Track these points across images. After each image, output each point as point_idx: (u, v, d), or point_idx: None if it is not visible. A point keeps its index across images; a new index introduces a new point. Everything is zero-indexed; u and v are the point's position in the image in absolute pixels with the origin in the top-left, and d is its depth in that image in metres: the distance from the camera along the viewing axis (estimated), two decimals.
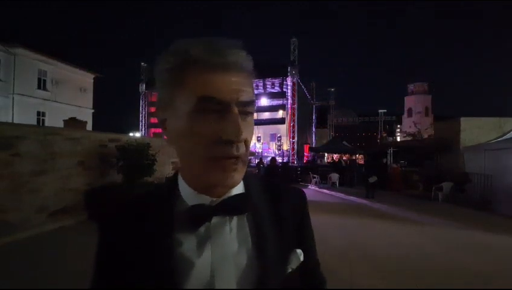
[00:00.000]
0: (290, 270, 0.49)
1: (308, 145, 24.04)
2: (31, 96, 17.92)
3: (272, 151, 24.22)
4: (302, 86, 25.93)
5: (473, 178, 8.93)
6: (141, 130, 28.37)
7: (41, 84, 18.70)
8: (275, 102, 24.61)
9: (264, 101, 24.50)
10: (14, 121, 15.25)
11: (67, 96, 20.02)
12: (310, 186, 12.95)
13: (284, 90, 23.60)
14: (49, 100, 18.96)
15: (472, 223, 6.17)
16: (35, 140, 4.89)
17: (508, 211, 7.06)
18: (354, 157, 18.66)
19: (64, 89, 19.85)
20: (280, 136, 24.15)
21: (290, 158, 21.15)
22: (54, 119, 17.11)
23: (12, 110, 17.17)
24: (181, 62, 0.42)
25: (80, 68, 21.31)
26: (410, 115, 44.07)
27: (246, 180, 0.52)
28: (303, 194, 0.59)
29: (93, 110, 22.59)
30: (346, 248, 4.19)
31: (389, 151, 13.75)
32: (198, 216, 0.44)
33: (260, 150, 23.90)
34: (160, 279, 0.43)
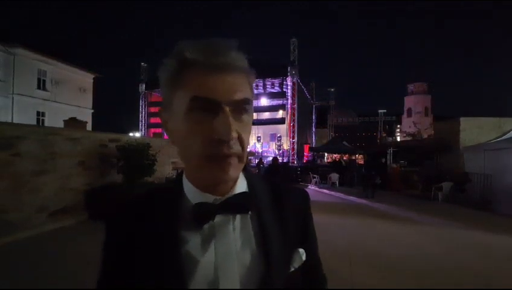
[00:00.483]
0: (292, 269, 0.50)
1: (308, 145, 24.04)
2: (30, 96, 17.90)
3: (271, 151, 24.22)
4: (302, 86, 25.93)
5: (472, 178, 8.94)
6: (141, 130, 28.36)
7: (41, 84, 18.68)
8: (275, 102, 24.62)
9: (264, 101, 24.51)
10: (14, 121, 15.23)
11: (67, 97, 20.01)
12: (310, 186, 12.95)
13: (284, 90, 23.61)
14: (48, 100, 18.94)
15: (472, 223, 6.17)
16: (35, 140, 4.89)
17: (508, 210, 7.06)
18: (354, 158, 18.67)
19: (64, 89, 19.84)
20: (280, 136, 24.16)
21: (290, 158, 21.17)
22: (54, 119, 17.11)
23: (12, 110, 17.16)
24: (178, 64, 0.44)
25: (79, 68, 21.29)
26: (409, 115, 44.09)
27: (250, 179, 0.53)
28: (306, 194, 0.60)
29: (93, 110, 22.57)
30: (346, 248, 4.19)
31: (389, 151, 13.74)
32: (202, 214, 0.45)
33: (260, 150, 23.90)
34: (166, 276, 0.43)
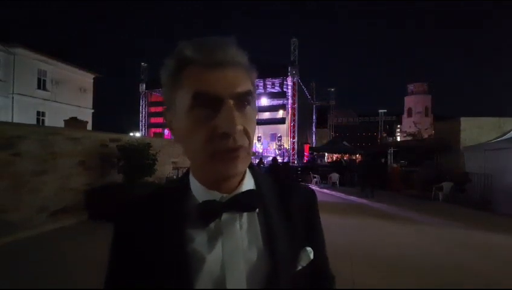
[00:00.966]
0: (299, 267, 0.50)
1: (308, 145, 24.03)
2: (30, 96, 17.91)
3: (272, 151, 24.21)
4: (303, 86, 25.93)
5: (473, 178, 8.94)
6: (141, 130, 28.36)
7: (41, 84, 18.70)
8: (275, 102, 24.61)
9: (264, 101, 24.49)
10: (14, 121, 15.24)
11: (67, 96, 20.02)
12: (310, 186, 12.94)
13: (284, 90, 23.60)
14: (49, 100, 18.95)
15: (472, 223, 6.17)
16: (35, 140, 4.89)
17: (508, 210, 7.06)
18: (354, 157, 18.67)
19: (64, 89, 19.85)
20: (280, 136, 24.16)
21: (291, 158, 21.17)
22: (54, 119, 17.12)
23: (12, 110, 17.17)
24: (178, 63, 0.45)
25: (79, 68, 21.30)
26: (410, 115, 44.09)
27: (256, 177, 0.53)
28: (313, 193, 0.60)
29: (93, 110, 22.59)
30: (347, 248, 4.19)
31: (389, 151, 13.74)
32: (209, 212, 0.45)
33: (260, 150, 23.89)
34: (173, 275, 0.43)
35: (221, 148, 0.42)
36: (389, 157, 13.66)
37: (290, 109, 22.22)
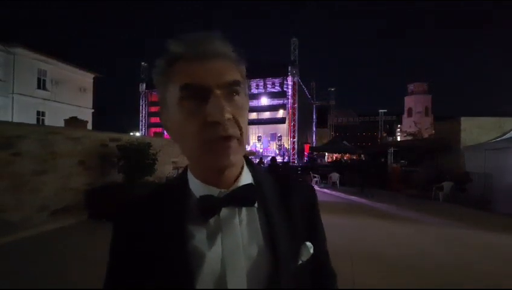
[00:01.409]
0: (300, 262, 0.49)
1: (308, 145, 24.04)
2: (30, 96, 17.91)
3: (272, 150, 24.22)
4: (303, 86, 25.94)
5: (473, 177, 8.93)
6: (141, 130, 28.38)
7: (41, 84, 18.69)
8: (276, 102, 24.62)
9: (264, 101, 24.50)
10: (14, 121, 15.25)
11: (67, 96, 20.02)
12: None
13: (285, 89, 23.61)
14: (48, 100, 18.95)
15: (473, 222, 6.17)
16: (36, 139, 4.89)
17: (508, 210, 7.06)
18: (354, 157, 18.68)
19: (64, 88, 19.85)
20: (280, 136, 24.17)
21: (291, 158, 21.17)
22: (54, 119, 17.12)
23: (12, 109, 17.17)
24: (166, 61, 0.46)
25: (79, 68, 21.30)
26: (410, 114, 44.04)
27: (254, 172, 0.53)
28: (312, 188, 0.60)
29: (93, 110, 22.59)
30: (347, 247, 4.19)
31: (389, 151, 13.74)
32: (207, 208, 0.45)
33: (261, 150, 23.89)
34: (174, 272, 0.44)
35: (212, 137, 0.42)
36: (389, 157, 13.65)
37: (290, 108, 22.23)
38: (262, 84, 24.36)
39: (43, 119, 18.75)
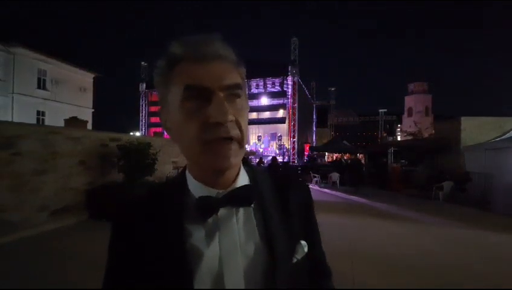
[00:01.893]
0: (295, 260, 0.50)
1: (308, 145, 24.04)
2: (30, 95, 17.91)
3: (272, 150, 24.22)
4: (303, 86, 25.93)
5: (473, 177, 8.93)
6: (141, 130, 28.39)
7: (41, 84, 18.69)
8: (276, 101, 24.61)
9: (264, 101, 24.50)
10: (14, 121, 15.24)
11: (67, 96, 20.02)
12: (310, 186, 12.88)
13: (285, 89, 23.61)
14: (48, 100, 18.95)
15: (472, 222, 6.17)
16: (36, 139, 4.89)
17: (508, 210, 7.05)
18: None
19: (64, 88, 19.84)
20: (281, 136, 24.16)
21: (291, 157, 21.17)
22: (54, 119, 17.12)
23: (12, 109, 17.17)
24: (168, 63, 0.47)
25: (79, 68, 21.29)
26: (410, 114, 43.99)
27: (251, 172, 0.55)
28: (307, 187, 0.61)
29: (93, 110, 22.59)
30: (347, 247, 4.19)
31: (389, 151, 13.73)
32: (206, 208, 0.46)
33: (261, 150, 23.89)
34: (172, 270, 0.44)
35: (214, 137, 0.43)
36: (389, 156, 13.65)
37: (290, 108, 22.22)
38: (262, 84, 24.34)
39: (43, 119, 18.75)
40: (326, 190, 11.64)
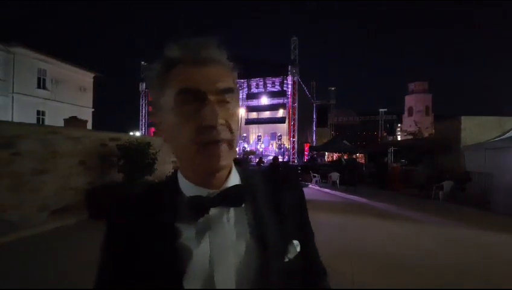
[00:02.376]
0: (287, 260, 0.51)
1: (308, 144, 24.03)
2: (30, 95, 17.92)
3: (272, 150, 24.21)
4: (303, 85, 25.89)
5: (473, 177, 8.92)
6: (141, 129, 28.37)
7: (41, 84, 18.70)
8: (276, 101, 24.59)
9: (264, 100, 24.48)
10: (14, 120, 15.24)
11: (67, 96, 20.02)
12: (310, 185, 12.91)
13: (285, 89, 23.59)
14: (48, 99, 18.95)
15: (472, 222, 6.16)
16: (36, 139, 4.89)
17: (508, 209, 7.05)
18: (353, 157, 18.67)
19: (64, 88, 19.85)
20: (280, 135, 24.17)
21: (291, 157, 21.16)
22: (54, 119, 17.12)
23: (12, 109, 17.18)
24: (163, 65, 0.48)
25: (79, 67, 21.30)
26: (410, 114, 43.97)
27: (242, 173, 0.55)
28: (299, 186, 0.61)
29: (93, 110, 22.59)
30: (346, 247, 4.19)
31: (389, 151, 13.74)
32: (197, 207, 0.46)
33: (261, 149, 23.89)
34: (163, 269, 0.45)
35: (206, 140, 0.44)
36: (389, 156, 13.65)
37: (290, 108, 22.20)
38: (262, 83, 24.31)
39: (43, 119, 18.75)
40: (326, 190, 11.63)
